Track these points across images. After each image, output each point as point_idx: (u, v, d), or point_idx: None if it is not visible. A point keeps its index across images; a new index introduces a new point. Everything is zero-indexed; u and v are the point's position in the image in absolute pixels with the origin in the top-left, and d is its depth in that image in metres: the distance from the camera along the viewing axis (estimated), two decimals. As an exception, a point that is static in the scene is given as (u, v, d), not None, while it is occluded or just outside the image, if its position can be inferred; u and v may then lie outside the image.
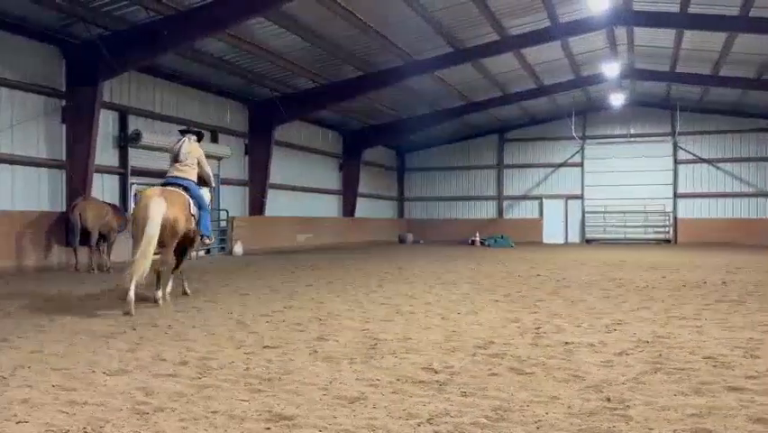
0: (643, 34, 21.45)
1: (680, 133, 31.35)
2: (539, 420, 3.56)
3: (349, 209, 29.36)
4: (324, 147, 27.80)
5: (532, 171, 34.03)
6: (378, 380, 4.48)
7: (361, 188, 30.15)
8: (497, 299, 9.10)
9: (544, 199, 33.69)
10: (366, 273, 13.19)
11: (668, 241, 31.44)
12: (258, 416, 3.69)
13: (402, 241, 32.77)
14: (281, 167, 23.98)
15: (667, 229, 31.76)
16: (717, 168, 31.14)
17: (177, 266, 9.02)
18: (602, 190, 32.51)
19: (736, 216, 30.62)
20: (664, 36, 21.14)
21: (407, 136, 31.38)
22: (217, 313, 7.71)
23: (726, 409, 3.76)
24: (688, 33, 20.31)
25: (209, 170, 9.14)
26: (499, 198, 34.39)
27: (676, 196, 31.68)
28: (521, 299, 9.02)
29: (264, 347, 5.64)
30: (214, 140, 20.55)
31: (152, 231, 7.55)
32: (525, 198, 34.13)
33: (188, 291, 9.25)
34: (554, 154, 33.63)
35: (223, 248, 20.44)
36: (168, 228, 7.88)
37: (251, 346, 5.69)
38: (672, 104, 30.64)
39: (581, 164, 33.22)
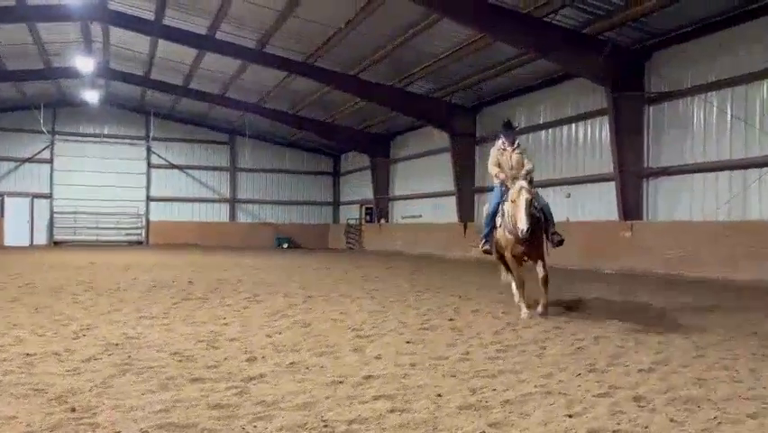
0: (119, 35, 21.39)
1: (153, 138, 32.45)
2: (-10, 448, 3.13)
3: None
4: None
5: (-10, 165, 30.05)
6: None
7: None
8: (-62, 313, 7.66)
9: (5, 197, 30.12)
10: None
11: (140, 243, 32.11)
12: None
13: None
14: None
15: (140, 231, 32.42)
16: (187, 174, 33.41)
17: None
18: (74, 190, 31.04)
19: (203, 219, 33.41)
20: (140, 41, 21.54)
21: None
22: None
23: (190, 400, 4.01)
24: (162, 43, 21.18)
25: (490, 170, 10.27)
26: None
27: (149, 199, 32.64)
28: (-28, 312, 7.81)
29: None
30: None
31: None
32: (-20, 195, 29.86)
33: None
34: (19, 148, 30.47)
35: None
36: None
37: None
38: (147, 109, 31.54)
39: (51, 161, 31.03)
